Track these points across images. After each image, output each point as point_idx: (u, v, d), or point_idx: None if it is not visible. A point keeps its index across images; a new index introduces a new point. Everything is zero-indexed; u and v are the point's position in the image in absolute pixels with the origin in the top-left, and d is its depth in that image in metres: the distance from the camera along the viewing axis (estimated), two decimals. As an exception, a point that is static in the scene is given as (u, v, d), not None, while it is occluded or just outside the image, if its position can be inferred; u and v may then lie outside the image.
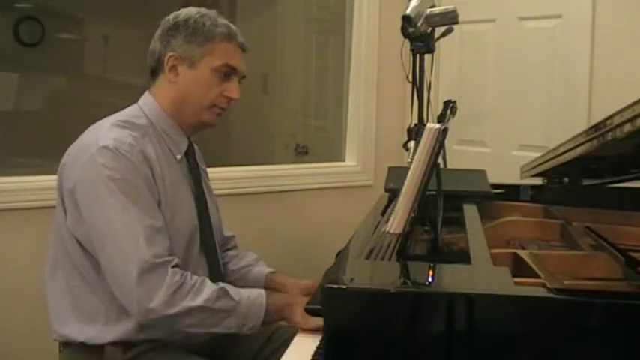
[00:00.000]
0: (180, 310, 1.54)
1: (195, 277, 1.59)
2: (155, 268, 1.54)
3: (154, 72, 1.75)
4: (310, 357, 1.39)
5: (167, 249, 1.59)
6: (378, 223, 1.70)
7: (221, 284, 1.62)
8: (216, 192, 1.98)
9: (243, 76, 1.77)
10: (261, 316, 1.63)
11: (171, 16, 1.75)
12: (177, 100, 1.73)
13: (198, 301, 1.56)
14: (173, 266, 1.57)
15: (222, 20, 1.74)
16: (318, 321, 1.59)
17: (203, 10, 1.75)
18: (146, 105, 1.75)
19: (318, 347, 1.43)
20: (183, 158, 1.76)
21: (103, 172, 1.57)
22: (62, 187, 1.66)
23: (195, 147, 1.85)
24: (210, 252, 1.78)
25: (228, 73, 1.72)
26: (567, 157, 1.64)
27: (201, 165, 1.88)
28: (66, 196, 1.65)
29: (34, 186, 2.32)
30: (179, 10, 1.76)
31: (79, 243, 1.63)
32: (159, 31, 1.75)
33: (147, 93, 1.77)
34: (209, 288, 1.59)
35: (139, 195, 1.59)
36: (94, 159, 1.59)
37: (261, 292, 1.67)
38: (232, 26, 1.75)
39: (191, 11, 1.74)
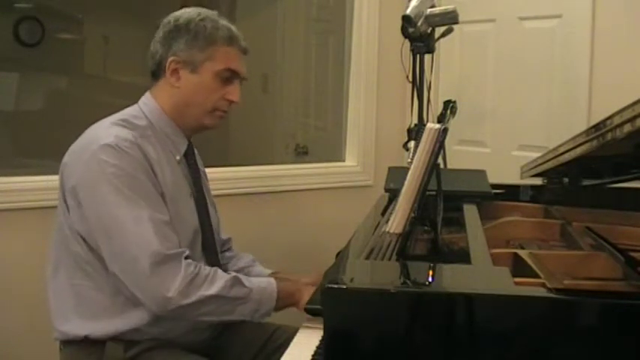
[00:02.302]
0: (196, 299, 1.56)
1: (208, 268, 1.61)
2: (168, 260, 1.55)
3: (155, 74, 1.75)
4: (310, 357, 1.39)
5: (177, 242, 1.60)
6: (378, 223, 1.70)
7: (232, 273, 1.65)
8: (215, 192, 1.98)
9: (244, 79, 1.77)
10: (274, 301, 1.66)
11: (171, 18, 1.73)
12: (179, 103, 1.72)
13: (214, 289, 1.58)
14: (186, 257, 1.59)
15: (223, 22, 1.73)
16: None
17: (204, 11, 1.73)
18: (146, 105, 1.74)
19: (318, 347, 1.43)
20: (183, 159, 1.76)
21: (106, 169, 1.57)
22: (64, 185, 1.66)
23: (195, 148, 1.85)
24: (211, 254, 1.79)
25: (229, 77, 1.72)
26: (567, 157, 1.65)
27: (200, 166, 1.88)
28: (68, 194, 1.64)
29: (35, 186, 2.32)
30: (180, 10, 1.74)
31: (85, 240, 1.63)
32: (159, 33, 1.73)
33: (147, 94, 1.77)
34: (222, 277, 1.61)
35: (144, 189, 1.60)
36: (95, 156, 1.59)
37: (271, 279, 1.71)
38: (234, 29, 1.74)
39: (192, 13, 1.72)
